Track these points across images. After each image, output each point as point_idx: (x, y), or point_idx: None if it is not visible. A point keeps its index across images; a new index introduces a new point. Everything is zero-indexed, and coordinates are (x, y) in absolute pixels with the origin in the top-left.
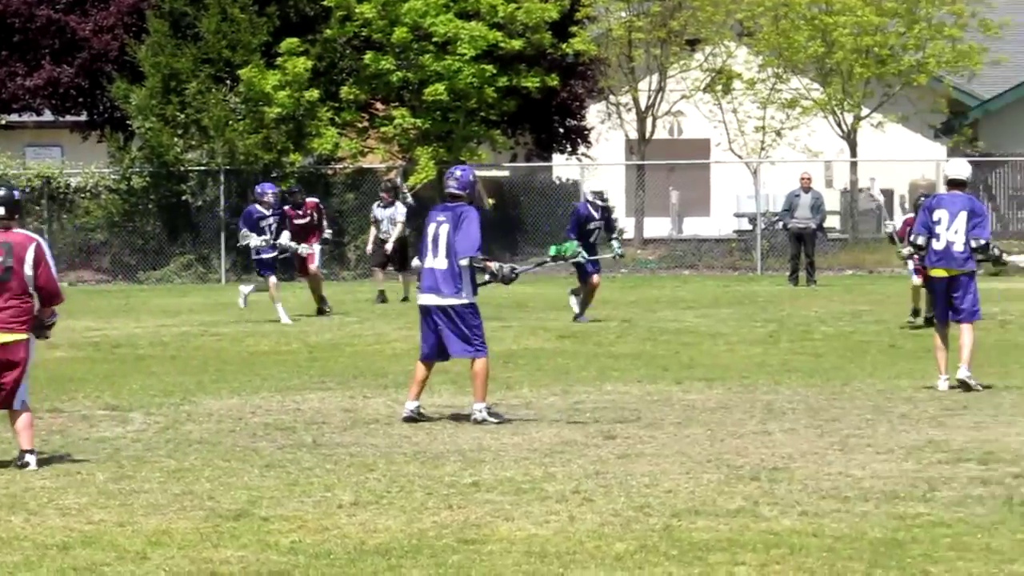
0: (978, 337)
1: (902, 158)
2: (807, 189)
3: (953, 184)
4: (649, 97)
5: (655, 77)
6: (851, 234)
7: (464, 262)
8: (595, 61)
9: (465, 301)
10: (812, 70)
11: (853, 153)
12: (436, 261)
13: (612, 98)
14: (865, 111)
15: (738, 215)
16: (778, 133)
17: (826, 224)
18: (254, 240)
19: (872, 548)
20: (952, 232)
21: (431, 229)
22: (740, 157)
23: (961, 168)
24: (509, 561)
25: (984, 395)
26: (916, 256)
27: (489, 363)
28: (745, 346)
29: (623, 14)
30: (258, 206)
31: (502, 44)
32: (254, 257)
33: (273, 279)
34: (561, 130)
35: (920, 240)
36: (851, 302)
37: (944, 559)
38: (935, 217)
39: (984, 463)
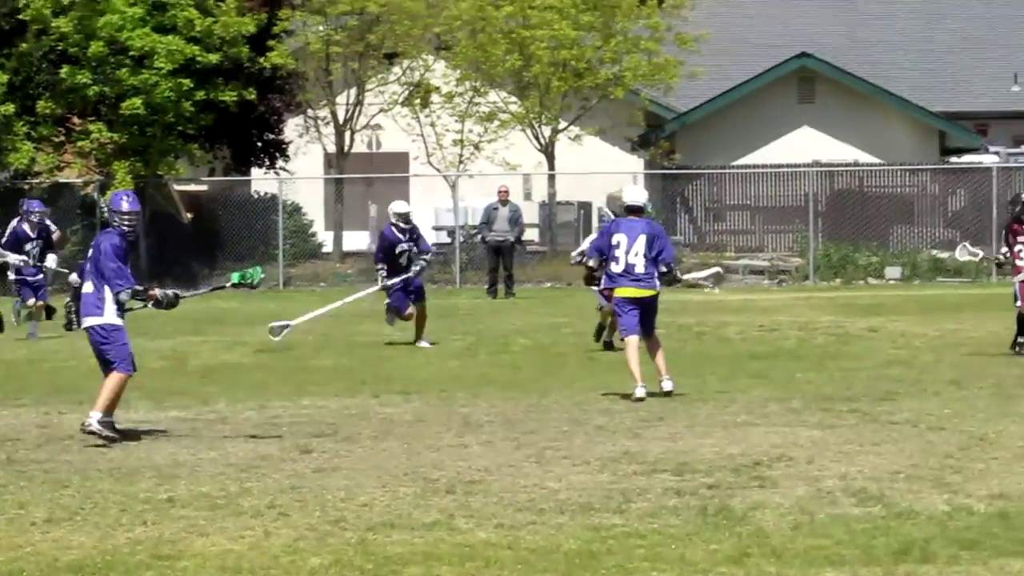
0: (674, 348)
1: (600, 171)
2: (505, 202)
3: (631, 210)
4: (347, 111)
5: (353, 91)
6: (549, 247)
7: (124, 296)
8: (293, 75)
9: (104, 321)
10: (510, 84)
11: (551, 166)
12: (86, 285)
13: (310, 112)
14: (563, 124)
15: (437, 228)
16: (476, 146)
17: (524, 237)
18: (12, 258)
19: (567, 560)
20: (633, 255)
21: (91, 254)
22: (438, 170)
23: (638, 194)
24: None
25: (679, 406)
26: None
27: (126, 381)
28: (443, 359)
29: (321, 28)
30: (25, 225)
31: (199, 58)
32: (14, 277)
33: (32, 300)
34: (259, 144)
35: (591, 262)
36: (549, 314)
37: (639, 570)
38: (614, 241)
39: (679, 474)
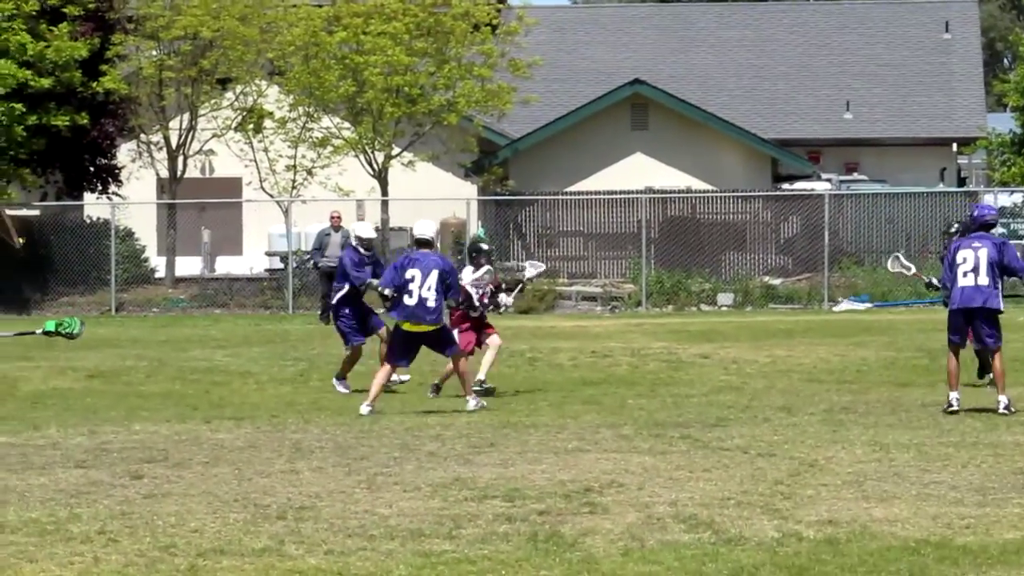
0: (507, 374)
1: (433, 197)
2: (337, 228)
3: (421, 244)
4: (180, 136)
5: (186, 116)
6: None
7: None
8: (126, 100)
9: None
10: (343, 109)
11: (384, 192)
12: None
13: (143, 137)
14: (396, 150)
15: (270, 254)
16: (309, 172)
17: None
18: None
19: None
20: (425, 289)
21: None
22: (271, 196)
23: (426, 228)
24: None
25: (511, 432)
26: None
27: None
28: (275, 385)
29: (154, 53)
30: None
31: (31, 82)
32: None
33: None
34: (91, 169)
35: (387, 292)
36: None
37: None
38: (408, 275)
39: (510, 500)
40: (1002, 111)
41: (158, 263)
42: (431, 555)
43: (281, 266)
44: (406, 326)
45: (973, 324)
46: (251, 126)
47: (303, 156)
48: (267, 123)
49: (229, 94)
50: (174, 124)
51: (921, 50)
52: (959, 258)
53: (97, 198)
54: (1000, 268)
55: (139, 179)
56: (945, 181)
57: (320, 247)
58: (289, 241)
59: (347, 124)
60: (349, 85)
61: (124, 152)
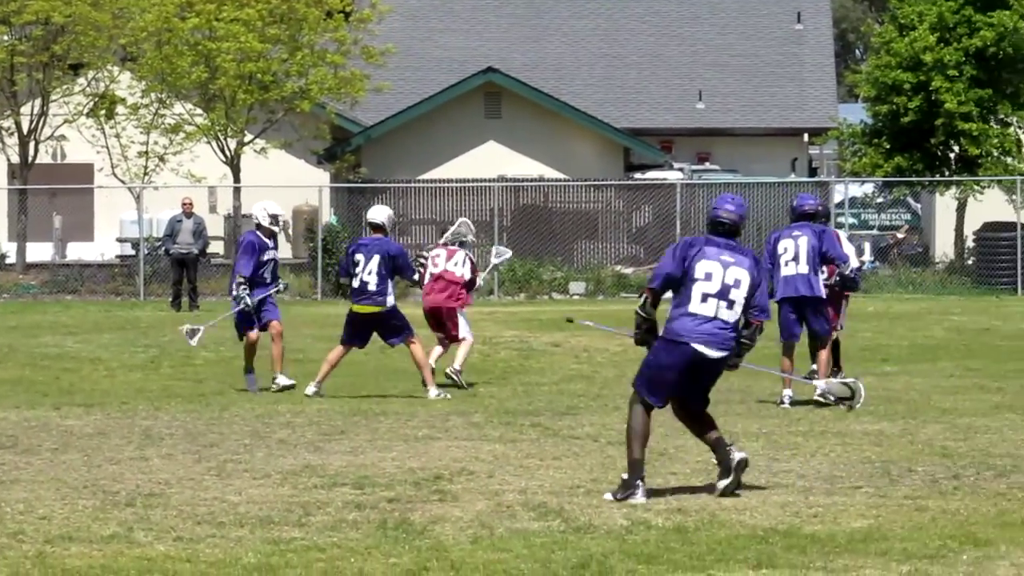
0: (359, 360)
1: (286, 184)
2: (189, 215)
3: (374, 228)
4: (32, 121)
5: (38, 101)
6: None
7: None
8: None
9: None
10: (195, 95)
11: (236, 179)
12: None
13: None
14: (248, 137)
15: (121, 240)
16: (161, 158)
17: (209, 250)
18: None
19: (246, 573)
20: (367, 272)
21: None
22: (123, 182)
23: (379, 213)
24: None
25: (362, 420)
26: None
27: None
28: (126, 372)
29: (5, 38)
30: None
31: None
32: None
33: None
34: None
35: (343, 280)
36: (233, 328)
37: None
38: (356, 259)
39: (359, 487)
40: (853, 102)
41: (9, 249)
42: (280, 542)
43: (132, 253)
44: (354, 308)
45: (803, 313)
46: (103, 112)
47: (155, 142)
48: (119, 109)
49: (81, 80)
50: (25, 110)
51: (773, 40)
52: (780, 248)
53: None
54: (820, 256)
55: None
56: (796, 171)
57: (172, 234)
58: (141, 227)
59: (200, 110)
60: (201, 71)
61: None
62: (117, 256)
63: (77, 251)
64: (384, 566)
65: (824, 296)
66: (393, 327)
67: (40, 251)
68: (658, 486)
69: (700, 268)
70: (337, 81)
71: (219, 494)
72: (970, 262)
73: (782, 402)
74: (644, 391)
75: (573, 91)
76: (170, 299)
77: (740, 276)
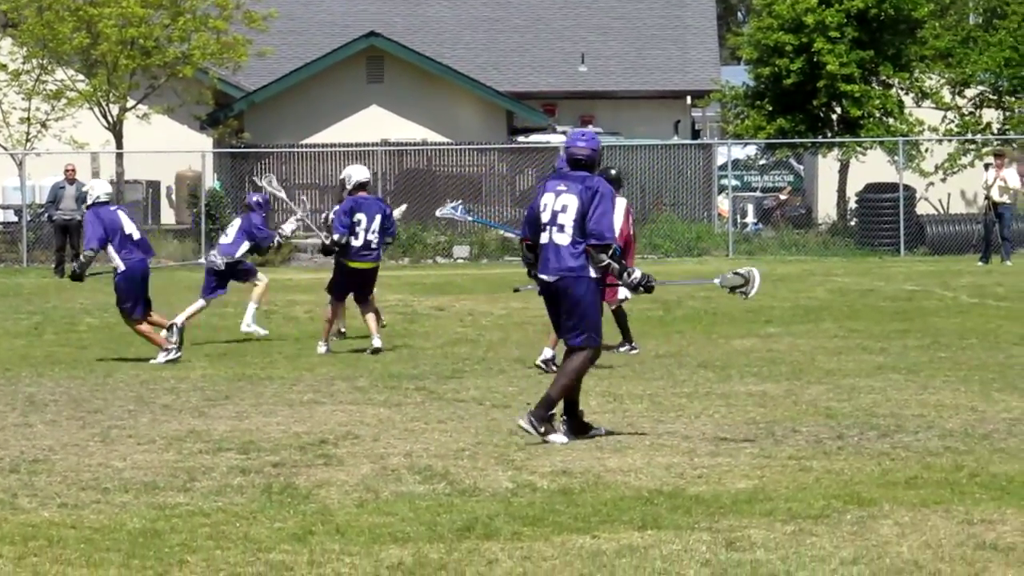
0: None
1: (169, 149)
2: (72, 181)
3: (360, 187)
4: None
5: None
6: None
7: None
8: None
9: None
10: (78, 61)
11: (119, 145)
12: None
13: None
14: (131, 103)
15: (3, 207)
16: (43, 124)
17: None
18: None
19: (131, 538)
20: (371, 232)
21: None
22: (5, 148)
23: (363, 171)
24: None
25: (246, 385)
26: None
27: None
28: (9, 339)
29: None
30: None
31: None
32: None
33: None
34: None
35: (337, 237)
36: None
37: (202, 548)
38: (356, 218)
39: (244, 452)
40: (736, 64)
41: None
42: (165, 507)
43: (15, 219)
44: (353, 264)
45: None
46: None
47: (37, 108)
48: (0, 75)
49: None
50: None
51: (656, 3)
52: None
53: None
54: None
55: None
56: (679, 134)
57: (54, 200)
58: (23, 194)
59: (82, 76)
60: (83, 37)
61: None
62: (0, 223)
63: None
64: (269, 530)
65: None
66: (372, 284)
67: None
68: (543, 449)
69: (540, 203)
70: (219, 46)
71: (104, 460)
72: (853, 223)
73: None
74: None
75: (455, 55)
76: (53, 265)
77: (568, 201)
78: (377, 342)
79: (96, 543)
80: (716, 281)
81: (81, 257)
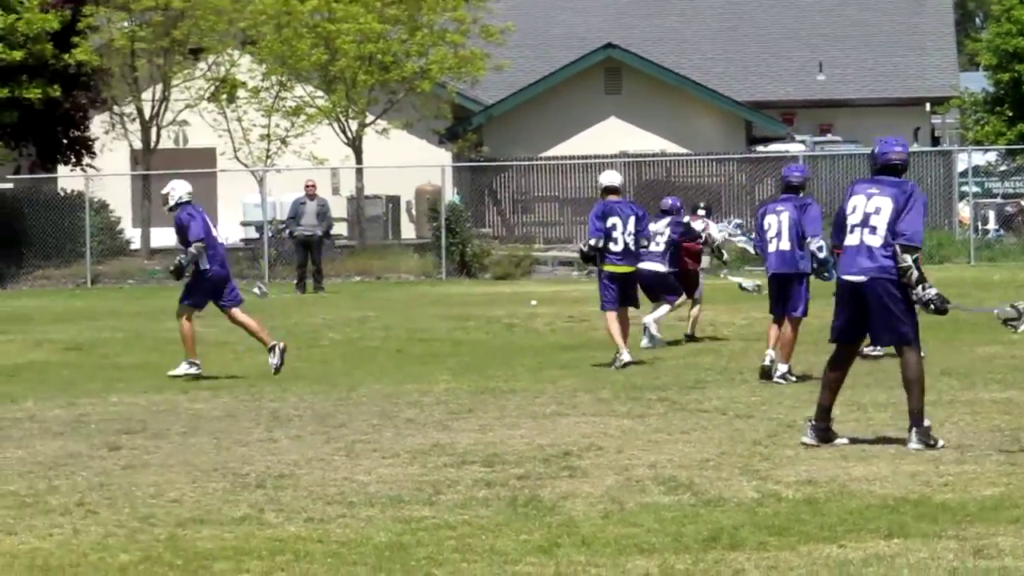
0: (484, 340)
1: (408, 164)
2: (312, 196)
3: (610, 191)
4: (153, 107)
5: (159, 87)
6: (359, 240)
7: None
8: (98, 71)
9: None
10: (316, 78)
11: (359, 160)
12: None
13: (116, 108)
14: (370, 118)
15: (245, 224)
16: (283, 141)
17: (332, 231)
18: None
19: (377, 552)
20: (627, 234)
21: None
22: (246, 165)
23: (613, 177)
24: (12, 575)
25: (489, 398)
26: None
27: None
28: (254, 354)
29: (125, 24)
30: None
31: (2, 55)
32: None
33: None
34: (65, 141)
35: (593, 242)
36: (358, 308)
37: (449, 561)
38: (610, 223)
39: (489, 465)
40: (974, 70)
41: (133, 235)
42: (411, 521)
43: (256, 235)
44: (616, 269)
45: (786, 289)
46: (224, 96)
47: (276, 125)
48: (240, 93)
49: (202, 64)
50: (147, 95)
51: (893, 10)
52: (765, 224)
53: (71, 170)
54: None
55: (112, 151)
56: (919, 141)
57: (295, 216)
58: (264, 210)
59: (320, 92)
60: (321, 53)
61: (97, 124)
62: (241, 239)
63: None
64: (516, 543)
65: (808, 272)
66: (634, 289)
67: (164, 236)
68: (787, 458)
69: (850, 206)
70: (457, 60)
71: (349, 474)
72: None
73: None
74: None
75: (693, 65)
76: (295, 281)
77: (881, 204)
78: (626, 356)
79: (343, 557)
80: (995, 312)
81: (192, 249)
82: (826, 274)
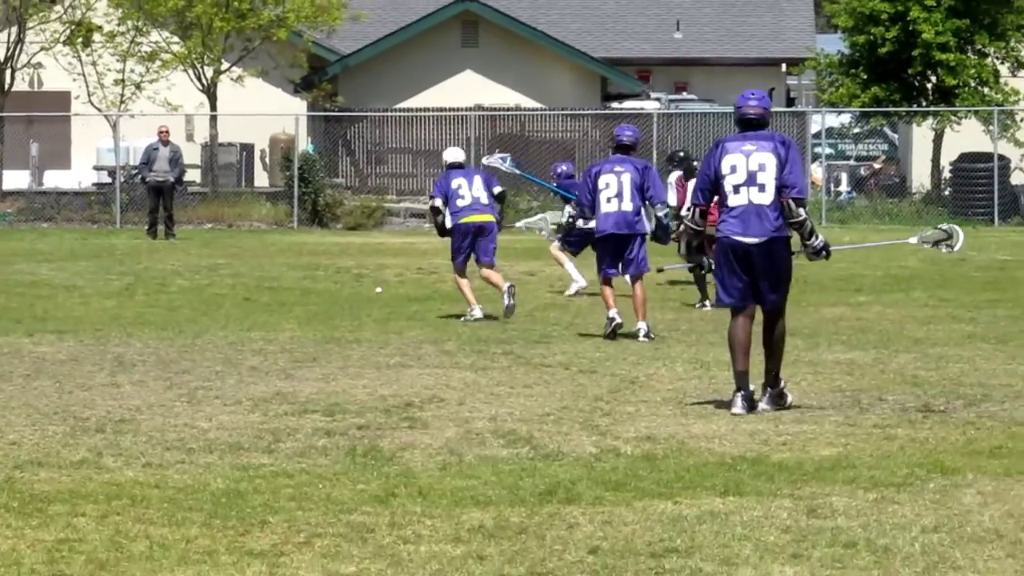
0: (332, 290)
1: (262, 112)
2: (166, 142)
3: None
4: (8, 49)
5: (14, 29)
6: (211, 188)
7: None
8: None
9: None
10: (172, 23)
11: (213, 107)
12: None
13: None
14: (225, 65)
15: (98, 168)
16: (138, 86)
17: (186, 178)
18: None
19: (213, 499)
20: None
21: None
22: (100, 110)
23: (458, 154)
24: None
25: (335, 348)
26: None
27: None
28: (100, 299)
29: None
30: None
31: None
32: None
33: None
34: None
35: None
36: (209, 256)
37: (284, 509)
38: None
39: (330, 414)
40: (831, 32)
41: None
42: (249, 468)
43: (109, 180)
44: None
45: (624, 250)
46: (80, 40)
47: (132, 70)
48: (96, 37)
49: (58, 7)
50: (1, 37)
51: None
52: (601, 183)
53: None
54: (642, 193)
55: None
56: (774, 101)
57: (148, 161)
58: (117, 156)
59: (176, 38)
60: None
61: None
62: (94, 184)
63: (54, 179)
64: (352, 492)
65: (647, 232)
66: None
67: (17, 179)
68: (628, 414)
69: (725, 165)
70: (314, 9)
71: (189, 420)
72: (947, 193)
73: (612, 323)
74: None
75: (550, 20)
76: (146, 227)
77: (764, 160)
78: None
79: (179, 503)
80: (913, 240)
81: None
82: (663, 238)
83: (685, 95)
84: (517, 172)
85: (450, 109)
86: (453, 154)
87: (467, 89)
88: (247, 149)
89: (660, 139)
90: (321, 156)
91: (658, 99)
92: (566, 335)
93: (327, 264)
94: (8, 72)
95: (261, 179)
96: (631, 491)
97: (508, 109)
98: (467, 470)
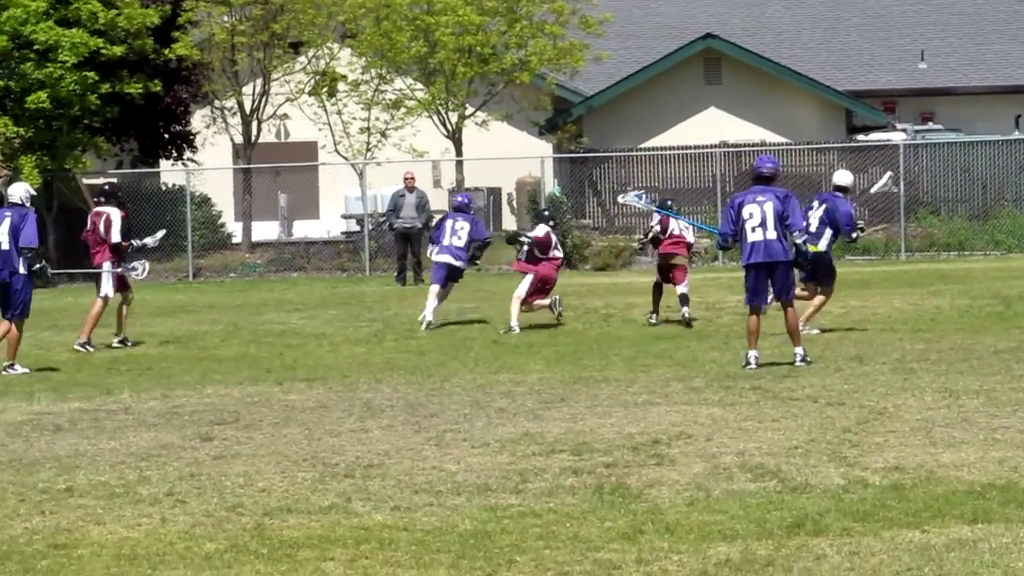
0: (580, 330)
1: (507, 156)
2: (412, 189)
3: (839, 189)
4: (254, 101)
5: (259, 81)
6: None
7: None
8: (198, 66)
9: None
10: (415, 70)
11: (458, 152)
12: None
13: (217, 103)
14: (469, 110)
15: (346, 216)
16: (383, 134)
17: (432, 223)
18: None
19: (461, 540)
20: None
21: None
22: (346, 159)
23: (845, 176)
24: (98, 565)
25: (582, 387)
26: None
27: None
28: (349, 346)
29: (225, 18)
30: None
31: (104, 50)
32: None
33: None
34: (166, 135)
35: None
36: (457, 299)
37: (531, 548)
38: (750, 212)
39: (577, 453)
40: None
41: (235, 228)
42: (497, 509)
43: (357, 228)
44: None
45: (771, 278)
46: (324, 89)
47: (377, 118)
48: (340, 86)
49: (302, 58)
50: (247, 89)
51: None
52: (745, 213)
53: (172, 165)
54: (781, 220)
55: (214, 145)
56: (1020, 128)
57: (395, 208)
58: (364, 203)
59: (420, 85)
60: (421, 46)
61: (198, 118)
62: (342, 232)
63: (302, 229)
64: (599, 530)
65: (792, 260)
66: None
67: (266, 230)
68: (876, 445)
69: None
70: (556, 52)
71: (437, 463)
72: None
73: (748, 364)
74: None
75: (793, 55)
76: (395, 273)
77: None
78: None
79: (427, 545)
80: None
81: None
82: (802, 264)
83: (931, 125)
84: (653, 209)
85: (694, 147)
86: (843, 177)
87: (711, 126)
88: (494, 193)
89: (908, 170)
90: (568, 197)
91: (904, 130)
92: (814, 368)
93: (576, 305)
94: (255, 124)
95: (509, 222)
96: (879, 521)
97: (753, 145)
98: (714, 505)
